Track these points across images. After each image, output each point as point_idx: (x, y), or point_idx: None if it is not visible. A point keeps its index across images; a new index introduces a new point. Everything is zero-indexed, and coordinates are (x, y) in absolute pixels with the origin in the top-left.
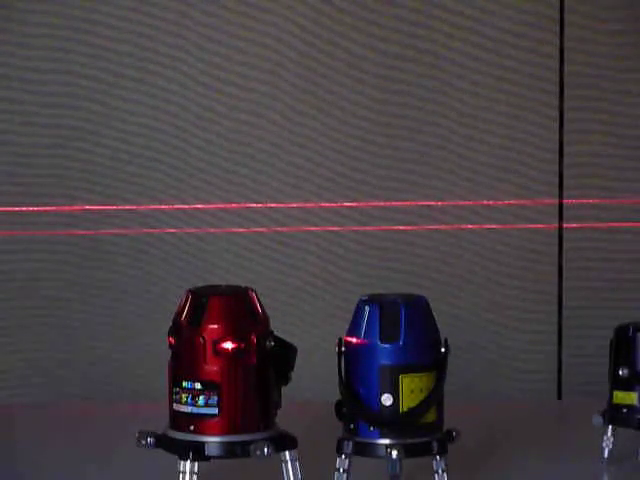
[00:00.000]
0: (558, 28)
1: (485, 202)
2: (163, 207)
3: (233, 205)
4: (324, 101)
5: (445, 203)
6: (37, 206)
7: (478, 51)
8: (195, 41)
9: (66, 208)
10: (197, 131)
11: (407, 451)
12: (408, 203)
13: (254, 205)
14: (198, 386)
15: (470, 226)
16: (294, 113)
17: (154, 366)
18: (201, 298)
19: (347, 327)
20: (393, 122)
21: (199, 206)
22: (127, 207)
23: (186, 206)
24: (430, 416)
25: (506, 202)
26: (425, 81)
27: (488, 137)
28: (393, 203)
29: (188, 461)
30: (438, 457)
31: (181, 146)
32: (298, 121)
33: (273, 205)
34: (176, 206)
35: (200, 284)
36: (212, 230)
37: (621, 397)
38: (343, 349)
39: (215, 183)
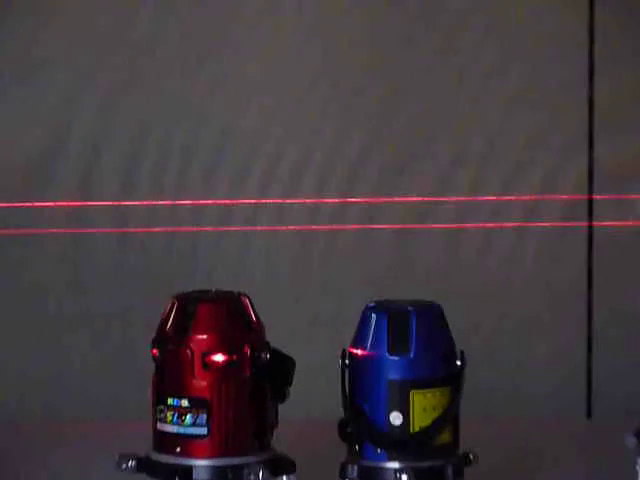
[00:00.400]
0: (588, 11)
1: (507, 197)
2: (147, 203)
3: (225, 201)
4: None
5: (464, 199)
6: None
7: (500, 37)
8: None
9: (37, 204)
10: (184, 124)
11: (418, 476)
12: (421, 199)
13: (248, 201)
14: (185, 403)
15: (491, 225)
16: (298, 109)
17: (136, 380)
18: (188, 305)
19: (352, 337)
20: (407, 114)
21: (186, 202)
22: (107, 203)
23: (172, 202)
24: (444, 437)
25: (531, 197)
26: (443, 67)
27: (511, 127)
28: (403, 199)
29: None
30: None
31: (162, 140)
32: (300, 116)
33: (268, 201)
34: (161, 202)
35: (188, 289)
36: (202, 229)
37: None
38: (347, 362)
39: (204, 177)
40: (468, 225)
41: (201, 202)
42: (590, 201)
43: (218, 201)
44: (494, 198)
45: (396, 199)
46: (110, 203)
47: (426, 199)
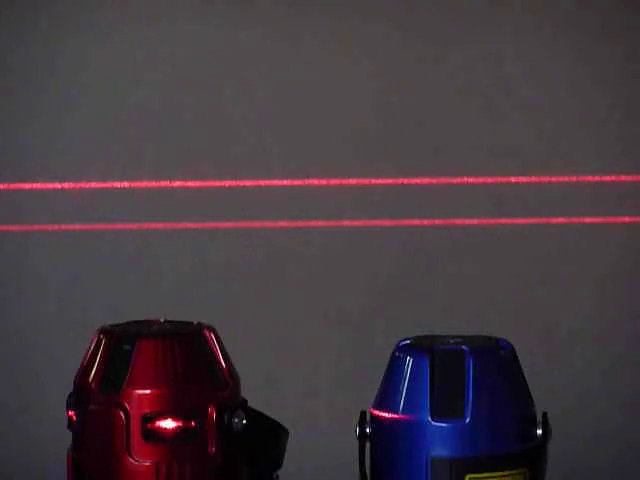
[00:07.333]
0: None
1: (583, 178)
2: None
3: (177, 184)
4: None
5: (523, 179)
6: None
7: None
8: None
9: None
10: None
11: None
12: (460, 181)
13: (210, 184)
14: None
15: (561, 219)
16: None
17: (46, 453)
18: (122, 343)
19: (375, 393)
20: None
21: (123, 184)
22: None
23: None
24: None
25: (608, 178)
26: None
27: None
28: (438, 180)
29: None
30: None
31: None
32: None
33: (238, 184)
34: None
35: (122, 317)
36: (152, 226)
37: None
38: (368, 430)
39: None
40: (533, 220)
41: (148, 185)
42: None
43: (169, 184)
44: None
45: (429, 181)
46: None
47: (464, 181)
